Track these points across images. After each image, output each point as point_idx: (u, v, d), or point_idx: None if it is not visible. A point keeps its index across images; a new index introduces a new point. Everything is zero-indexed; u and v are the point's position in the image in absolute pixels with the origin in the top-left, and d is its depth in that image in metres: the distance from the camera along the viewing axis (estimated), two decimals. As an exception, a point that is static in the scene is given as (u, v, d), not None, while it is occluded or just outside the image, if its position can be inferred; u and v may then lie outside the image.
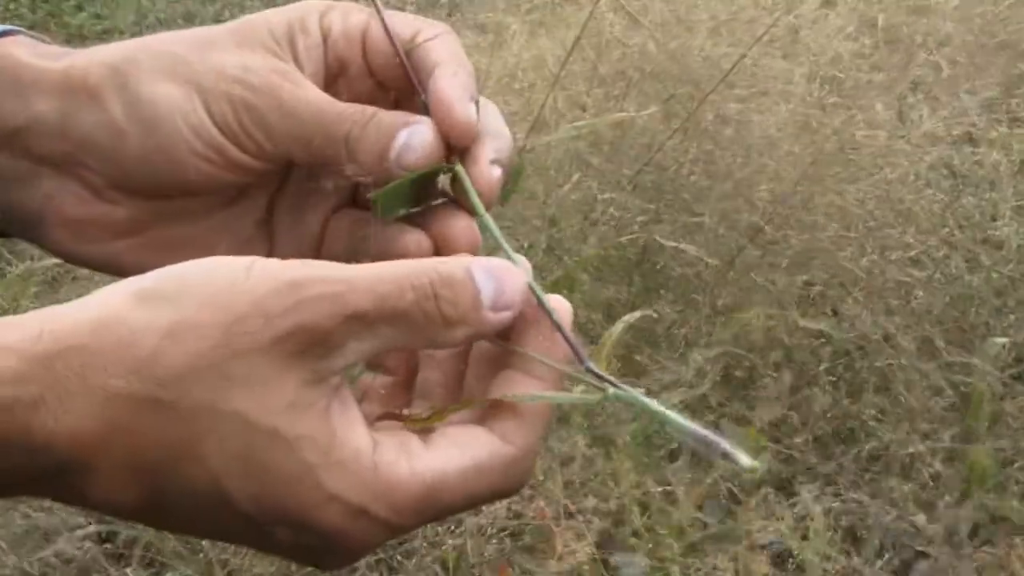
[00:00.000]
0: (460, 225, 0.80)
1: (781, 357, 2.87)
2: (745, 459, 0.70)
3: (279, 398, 0.67)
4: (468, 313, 0.72)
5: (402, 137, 0.78)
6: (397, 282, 0.69)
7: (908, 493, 2.63)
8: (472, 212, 0.80)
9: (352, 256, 0.76)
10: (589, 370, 0.76)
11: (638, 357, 2.77)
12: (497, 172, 0.80)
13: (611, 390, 0.75)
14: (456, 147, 0.80)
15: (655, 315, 2.81)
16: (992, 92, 3.45)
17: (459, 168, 0.79)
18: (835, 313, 2.96)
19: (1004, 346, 2.86)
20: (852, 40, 3.28)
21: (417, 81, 0.81)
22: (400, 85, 0.82)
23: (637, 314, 2.83)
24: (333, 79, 0.83)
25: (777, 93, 3.15)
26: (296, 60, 0.81)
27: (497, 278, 0.73)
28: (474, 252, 0.79)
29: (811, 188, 3.02)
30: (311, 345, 0.68)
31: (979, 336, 2.92)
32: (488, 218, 0.80)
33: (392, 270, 0.70)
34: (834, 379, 2.88)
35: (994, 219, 3.12)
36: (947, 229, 3.06)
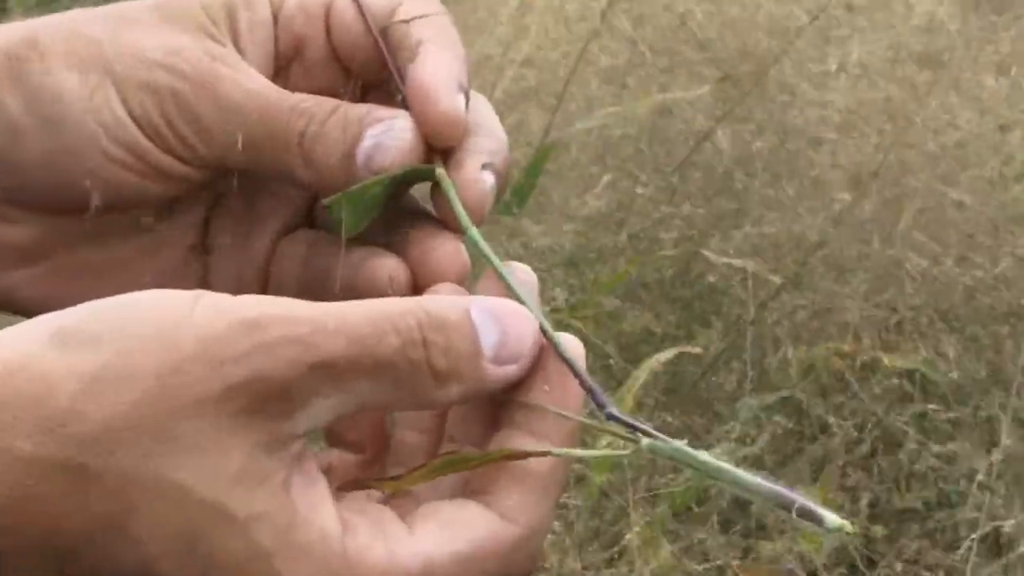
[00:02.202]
0: (445, 248, 0.70)
1: (857, 405, 2.32)
2: (831, 516, 0.60)
3: (228, 466, 0.60)
4: (465, 365, 0.63)
5: (373, 134, 0.69)
6: (376, 324, 0.61)
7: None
8: (457, 229, 0.70)
9: (306, 290, 0.71)
10: (613, 417, 0.65)
11: (669, 406, 2.25)
12: (489, 180, 0.70)
13: (645, 441, 0.65)
14: (438, 147, 0.70)
15: (696, 351, 2.27)
16: None
17: (441, 173, 0.69)
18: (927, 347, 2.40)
19: None
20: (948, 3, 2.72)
21: (395, 66, 0.72)
22: (372, 73, 0.73)
23: (672, 352, 2.13)
24: (285, 64, 0.74)
25: (857, 68, 2.61)
26: (237, 41, 0.73)
27: (502, 322, 0.64)
28: (461, 281, 0.70)
29: (896, 188, 2.46)
30: (269, 400, 0.60)
31: None
32: (478, 236, 0.69)
33: (368, 309, 0.62)
34: (924, 434, 2.32)
35: None
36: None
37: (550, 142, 2.38)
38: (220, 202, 0.77)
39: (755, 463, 2.26)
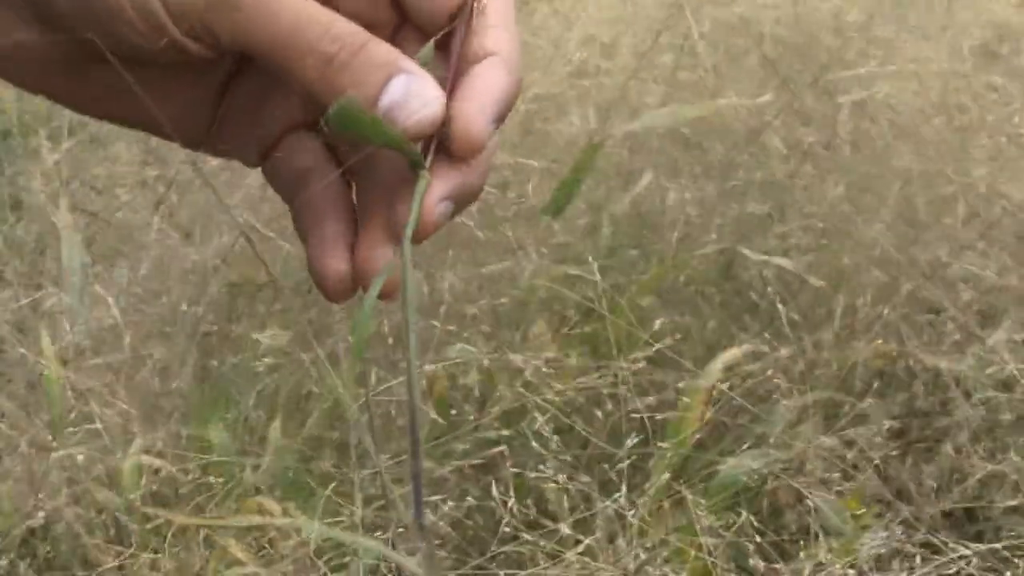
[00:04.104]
0: (378, 251, 0.71)
1: (899, 409, 2.27)
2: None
3: None
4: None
5: (399, 87, 0.67)
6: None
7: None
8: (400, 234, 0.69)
9: (287, 187, 0.74)
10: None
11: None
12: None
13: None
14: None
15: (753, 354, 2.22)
16: None
17: (424, 176, 0.69)
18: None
19: None
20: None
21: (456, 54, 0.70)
22: (424, 18, 0.71)
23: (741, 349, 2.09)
24: None
25: (923, 66, 2.55)
26: None
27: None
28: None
29: (953, 188, 2.40)
30: None
31: None
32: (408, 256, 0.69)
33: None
34: (969, 438, 2.25)
35: None
36: None
37: (597, 142, 2.36)
38: (242, 72, 0.76)
39: (797, 467, 2.23)
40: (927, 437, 2.29)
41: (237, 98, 0.76)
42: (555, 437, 2.02)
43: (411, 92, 0.68)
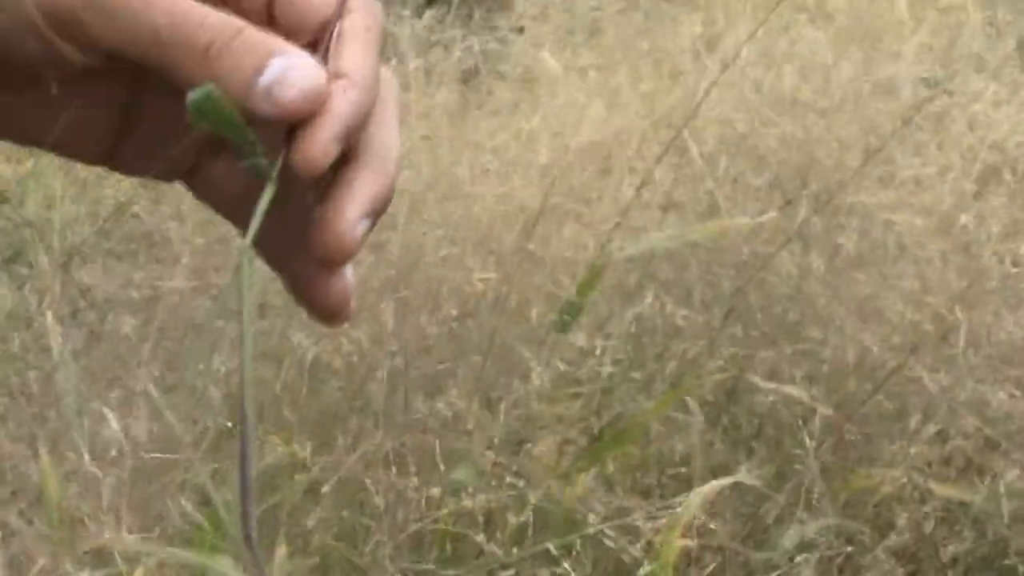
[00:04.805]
0: None
1: (908, 540, 2.24)
2: None
3: None
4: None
5: (277, 66, 0.65)
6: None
7: None
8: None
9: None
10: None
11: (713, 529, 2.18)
12: (361, 231, 0.66)
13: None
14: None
15: (750, 482, 2.20)
16: None
17: (271, 186, 0.65)
18: (980, 476, 2.31)
19: None
20: (1020, 125, 2.63)
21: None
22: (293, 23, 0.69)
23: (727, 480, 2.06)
24: None
25: (923, 189, 2.54)
26: None
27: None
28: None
29: (957, 315, 2.38)
30: None
31: None
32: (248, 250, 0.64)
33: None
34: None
35: None
36: None
37: (601, 262, 2.34)
38: (141, 90, 0.74)
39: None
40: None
41: (147, 114, 0.73)
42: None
43: (291, 66, 0.66)
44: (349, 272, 0.69)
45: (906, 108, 2.59)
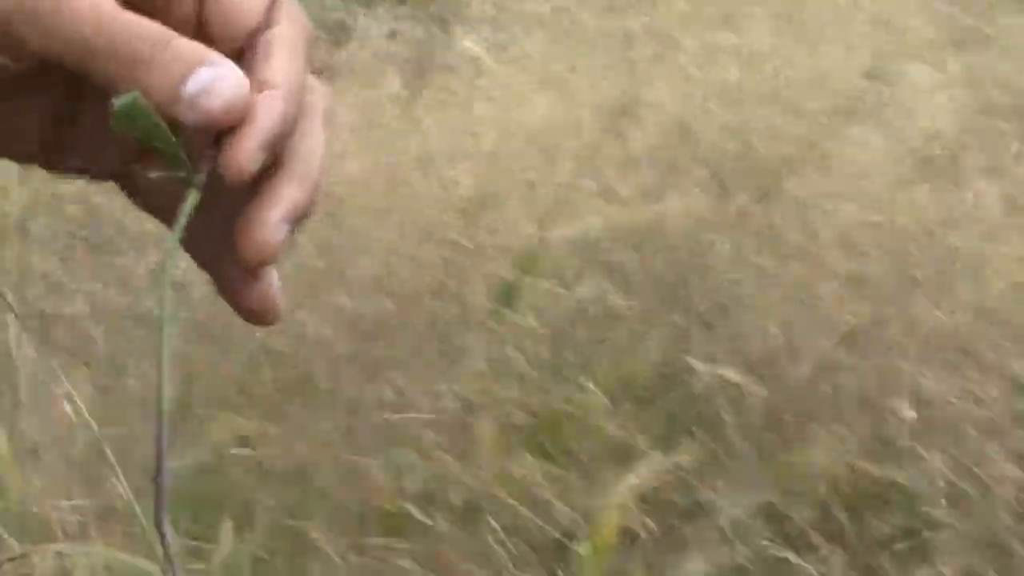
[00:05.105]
0: None
1: (845, 518, 2.29)
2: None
3: None
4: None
5: (204, 76, 0.65)
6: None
7: None
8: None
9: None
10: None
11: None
12: (281, 237, 0.65)
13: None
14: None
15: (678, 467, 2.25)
16: None
17: (193, 192, 0.65)
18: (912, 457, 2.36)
19: None
20: (955, 113, 2.68)
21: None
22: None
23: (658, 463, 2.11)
24: None
25: (860, 176, 2.59)
26: None
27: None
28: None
29: (892, 301, 2.44)
30: None
31: None
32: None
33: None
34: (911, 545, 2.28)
35: None
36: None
37: (535, 247, 2.39)
38: (78, 95, 0.73)
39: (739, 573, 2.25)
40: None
41: (81, 119, 0.73)
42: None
43: (218, 76, 0.66)
44: (274, 275, 0.70)
45: (845, 99, 2.64)
